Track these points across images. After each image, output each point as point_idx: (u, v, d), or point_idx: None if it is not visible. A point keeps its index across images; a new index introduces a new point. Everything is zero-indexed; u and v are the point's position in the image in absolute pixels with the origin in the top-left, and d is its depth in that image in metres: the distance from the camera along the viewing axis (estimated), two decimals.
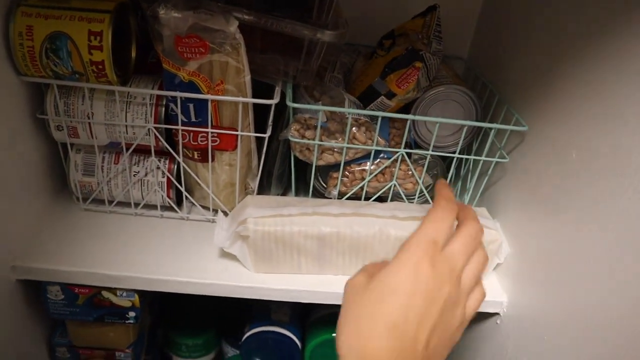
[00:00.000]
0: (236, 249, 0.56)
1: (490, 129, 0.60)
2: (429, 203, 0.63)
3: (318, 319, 0.74)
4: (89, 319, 0.60)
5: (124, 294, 0.58)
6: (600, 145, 0.45)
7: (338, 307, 0.75)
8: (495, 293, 0.60)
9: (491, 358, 0.60)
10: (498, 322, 0.60)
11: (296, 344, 0.72)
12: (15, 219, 0.57)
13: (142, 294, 0.60)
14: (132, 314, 0.60)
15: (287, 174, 0.65)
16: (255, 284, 0.57)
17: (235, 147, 0.58)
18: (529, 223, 0.57)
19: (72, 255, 0.57)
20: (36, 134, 0.59)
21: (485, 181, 0.63)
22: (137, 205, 0.63)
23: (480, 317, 0.63)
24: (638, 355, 0.39)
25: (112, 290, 0.58)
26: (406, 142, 0.62)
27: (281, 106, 0.60)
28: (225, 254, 0.59)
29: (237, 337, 0.80)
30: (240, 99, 0.54)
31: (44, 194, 0.62)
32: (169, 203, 0.63)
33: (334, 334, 0.72)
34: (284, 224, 0.55)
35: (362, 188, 0.61)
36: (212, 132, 0.56)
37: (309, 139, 0.57)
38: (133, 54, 0.59)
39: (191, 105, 0.55)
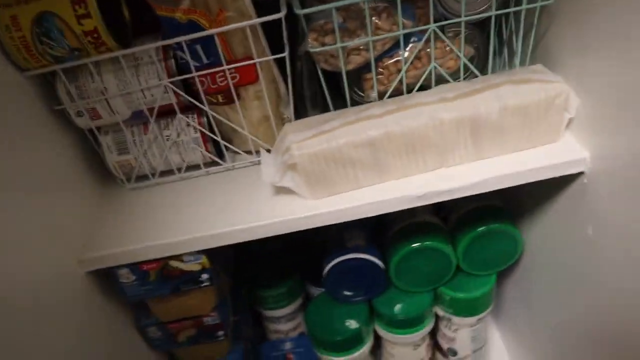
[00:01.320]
0: (288, 180, 0.53)
1: None
2: (477, 76, 0.58)
3: (395, 234, 0.71)
4: (165, 293, 0.59)
5: (191, 258, 0.57)
6: None
7: (411, 217, 0.71)
8: (574, 151, 0.54)
9: (589, 221, 0.55)
10: (585, 181, 0.55)
11: (377, 265, 0.69)
12: (70, 215, 0.56)
13: (211, 254, 0.58)
14: (205, 276, 0.59)
15: (319, 91, 0.61)
16: (318, 210, 0.53)
17: (257, 77, 0.54)
18: (596, 65, 0.50)
19: (131, 234, 0.56)
20: (63, 127, 0.58)
21: (533, 35, 0.57)
22: (179, 169, 0.61)
23: (564, 181, 0.58)
24: None
25: (178, 258, 0.57)
26: (435, 18, 0.56)
27: (293, 21, 0.55)
28: (279, 191, 0.56)
29: (320, 277, 0.78)
30: (246, 22, 0.50)
31: (89, 185, 0.61)
32: (210, 157, 0.60)
33: (414, 245, 0.69)
34: (329, 139, 0.51)
35: (401, 81, 0.56)
36: (228, 69, 0.53)
37: (330, 45, 0.53)
38: (126, 15, 0.55)
39: (198, 47, 0.52)
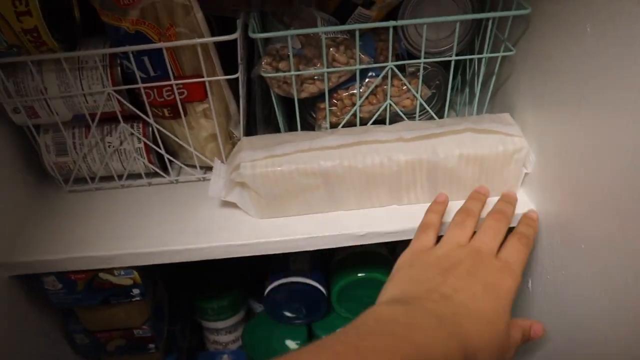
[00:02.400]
0: (235, 196, 0.52)
1: (489, 19, 0.51)
2: (434, 118, 0.56)
3: (340, 260, 0.70)
4: (95, 303, 0.57)
5: (122, 272, 0.55)
6: (617, 13, 0.37)
7: (357, 246, 0.70)
8: (521, 205, 0.53)
9: (529, 275, 0.55)
10: None
11: (320, 290, 0.68)
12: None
13: (144, 269, 0.56)
14: (136, 291, 0.57)
15: (273, 114, 0.59)
16: (260, 239, 0.52)
17: (206, 95, 0.52)
18: (548, 121, 0.49)
19: (61, 241, 0.53)
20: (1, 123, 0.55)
21: (493, 82, 0.56)
22: (120, 177, 0.59)
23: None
24: None
25: (109, 271, 0.55)
26: (396, 55, 0.55)
27: (253, 42, 0.53)
28: (223, 211, 0.55)
29: (262, 293, 0.77)
30: (196, 40, 0.47)
31: (24, 182, 0.59)
32: (153, 169, 0.58)
33: (359, 274, 0.68)
34: (281, 163, 0.50)
35: (354, 115, 0.55)
36: (176, 84, 0.51)
37: (283, 71, 0.51)
38: (77, 15, 0.52)
39: (146, 59, 0.49)
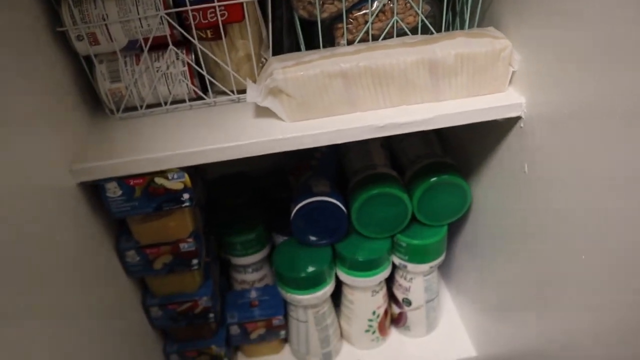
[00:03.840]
0: (269, 102, 0.61)
1: None
2: (433, 33, 0.67)
3: (356, 183, 0.78)
4: (149, 210, 0.64)
5: (175, 175, 0.63)
6: None
7: (371, 169, 0.79)
8: (513, 97, 0.63)
9: (524, 160, 0.64)
10: (522, 125, 0.64)
11: (340, 208, 0.76)
12: (64, 132, 0.61)
13: (191, 176, 0.64)
14: (186, 195, 0.64)
15: (296, 42, 0.69)
16: (294, 133, 0.60)
17: (243, 16, 0.62)
18: (529, 30, 0.59)
19: (119, 150, 0.61)
20: (59, 53, 0.63)
21: (479, 6, 0.67)
22: (166, 102, 0.67)
23: (505, 125, 0.67)
24: None
25: (163, 175, 0.62)
26: None
27: None
28: (258, 120, 0.63)
29: (286, 228, 0.85)
30: None
31: (81, 111, 0.67)
32: (195, 91, 0.67)
33: (374, 191, 0.77)
34: (307, 68, 0.59)
35: (367, 32, 0.65)
36: (218, 6, 0.60)
37: None
38: None
39: None
